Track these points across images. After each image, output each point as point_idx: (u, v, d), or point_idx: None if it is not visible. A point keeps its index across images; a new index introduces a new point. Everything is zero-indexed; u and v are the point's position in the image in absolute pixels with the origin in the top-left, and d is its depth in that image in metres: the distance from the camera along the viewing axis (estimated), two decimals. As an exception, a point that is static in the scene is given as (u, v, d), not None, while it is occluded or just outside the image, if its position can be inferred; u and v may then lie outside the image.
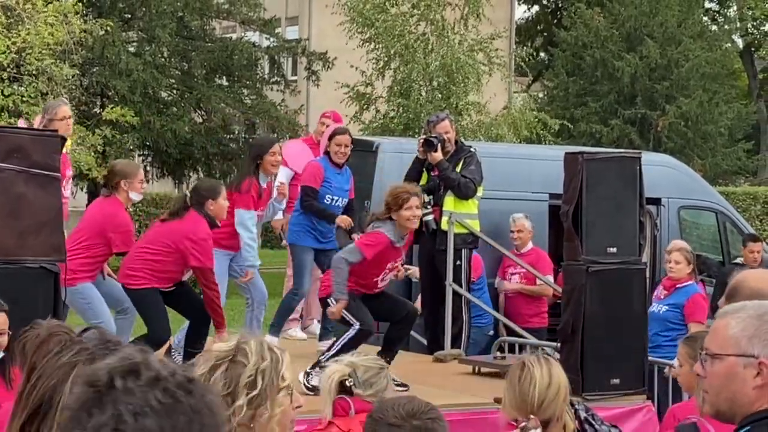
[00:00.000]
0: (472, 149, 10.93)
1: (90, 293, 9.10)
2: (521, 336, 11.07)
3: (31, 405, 2.73)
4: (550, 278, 11.80)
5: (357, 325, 8.65)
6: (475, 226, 10.78)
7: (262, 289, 10.15)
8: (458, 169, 10.69)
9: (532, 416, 4.78)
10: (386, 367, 5.43)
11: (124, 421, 1.80)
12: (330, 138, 10.36)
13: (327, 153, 10.39)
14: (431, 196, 10.70)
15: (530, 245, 12.17)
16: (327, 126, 10.95)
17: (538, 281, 11.99)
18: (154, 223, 9.82)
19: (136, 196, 9.35)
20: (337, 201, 10.34)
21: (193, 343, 8.90)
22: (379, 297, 9.05)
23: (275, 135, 30.26)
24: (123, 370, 1.87)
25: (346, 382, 5.14)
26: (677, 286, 10.69)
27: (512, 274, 12.15)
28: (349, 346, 8.29)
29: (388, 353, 8.92)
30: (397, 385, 8.75)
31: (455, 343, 10.50)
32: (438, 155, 10.64)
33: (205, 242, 8.77)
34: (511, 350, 10.68)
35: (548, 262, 12.07)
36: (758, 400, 3.08)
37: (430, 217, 10.67)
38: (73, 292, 8.63)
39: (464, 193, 10.61)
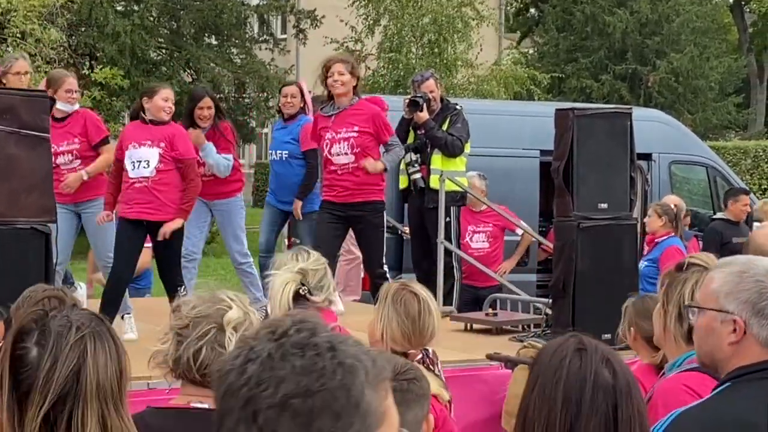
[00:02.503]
0: (458, 107, 10.92)
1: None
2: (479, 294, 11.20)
3: (55, 392, 2.68)
4: (525, 225, 11.79)
5: None
6: (464, 183, 10.81)
7: (230, 248, 9.98)
8: (444, 128, 10.69)
9: None
10: (326, 263, 5.18)
11: None
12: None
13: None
14: (418, 155, 10.74)
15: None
16: None
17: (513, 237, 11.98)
18: None
19: (63, 106, 9.09)
20: (272, 155, 10.50)
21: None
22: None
23: (264, 94, 30.17)
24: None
25: (300, 291, 4.93)
26: (656, 241, 10.74)
27: (475, 232, 11.92)
28: None
29: None
30: None
31: (447, 300, 10.53)
32: (424, 115, 10.65)
33: None
34: (503, 307, 10.71)
35: (511, 213, 11.90)
36: (734, 355, 3.12)
37: (418, 176, 10.71)
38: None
39: (452, 151, 10.63)
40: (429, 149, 10.73)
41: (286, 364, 1.76)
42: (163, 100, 8.66)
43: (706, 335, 3.19)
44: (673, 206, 11.02)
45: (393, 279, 11.96)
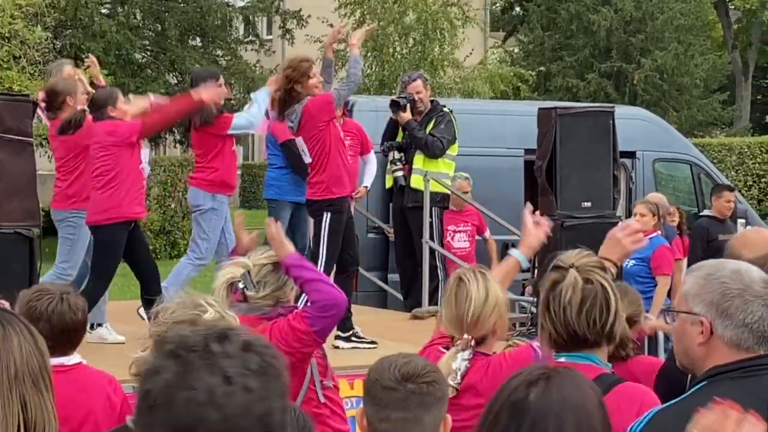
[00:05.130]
0: (445, 109, 10.95)
1: (81, 230, 8.98)
2: None
3: None
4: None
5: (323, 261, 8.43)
6: (448, 184, 10.83)
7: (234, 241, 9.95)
8: (429, 129, 10.73)
9: (465, 335, 4.61)
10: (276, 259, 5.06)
11: (233, 382, 1.89)
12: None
13: None
14: (402, 154, 10.80)
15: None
16: None
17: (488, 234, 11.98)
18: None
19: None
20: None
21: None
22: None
23: (250, 95, 30.14)
24: (216, 336, 1.95)
25: (239, 284, 4.89)
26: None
27: (456, 232, 11.80)
28: None
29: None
30: (367, 342, 8.79)
31: (432, 299, 10.55)
32: (406, 115, 10.71)
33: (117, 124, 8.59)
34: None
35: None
36: (706, 356, 3.19)
37: (400, 173, 10.79)
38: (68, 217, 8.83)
39: (432, 151, 10.67)
40: (413, 149, 10.79)
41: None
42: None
43: (680, 337, 3.27)
44: (655, 204, 11.06)
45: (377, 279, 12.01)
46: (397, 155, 10.83)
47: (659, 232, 10.89)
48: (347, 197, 8.75)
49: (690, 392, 3.17)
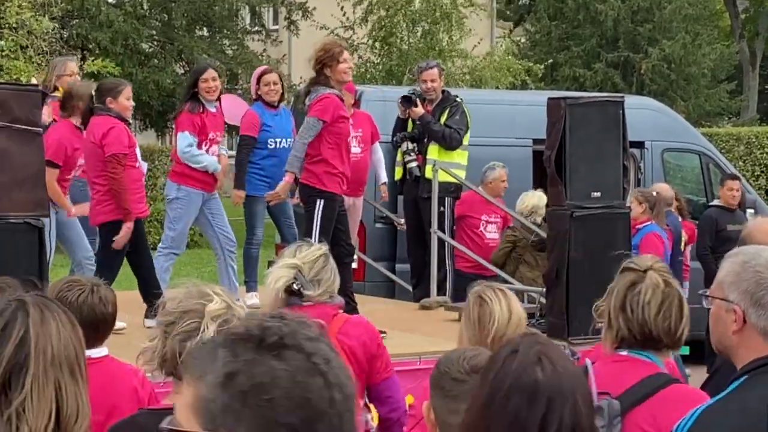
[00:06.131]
0: (458, 99, 10.94)
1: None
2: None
3: (6, 364, 2.72)
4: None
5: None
6: (459, 175, 10.79)
7: (229, 234, 9.81)
8: (443, 119, 10.72)
9: None
10: (327, 251, 5.09)
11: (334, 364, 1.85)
12: (258, 81, 10.31)
13: (258, 97, 10.29)
14: (415, 144, 10.78)
15: None
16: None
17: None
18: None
19: None
20: (281, 143, 10.10)
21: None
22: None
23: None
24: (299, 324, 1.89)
25: (294, 286, 4.90)
26: (637, 227, 10.76)
27: (488, 222, 11.95)
28: None
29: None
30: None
31: (441, 290, 10.54)
32: (419, 110, 10.70)
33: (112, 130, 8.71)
34: (497, 296, 10.69)
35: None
36: (739, 344, 3.19)
37: (414, 164, 10.77)
38: None
39: (449, 143, 10.66)
40: (426, 139, 10.77)
41: None
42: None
43: (715, 323, 3.27)
44: (654, 193, 11.03)
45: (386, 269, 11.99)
46: (410, 146, 10.81)
47: (652, 221, 10.87)
48: (340, 195, 8.78)
49: (733, 387, 3.16)
